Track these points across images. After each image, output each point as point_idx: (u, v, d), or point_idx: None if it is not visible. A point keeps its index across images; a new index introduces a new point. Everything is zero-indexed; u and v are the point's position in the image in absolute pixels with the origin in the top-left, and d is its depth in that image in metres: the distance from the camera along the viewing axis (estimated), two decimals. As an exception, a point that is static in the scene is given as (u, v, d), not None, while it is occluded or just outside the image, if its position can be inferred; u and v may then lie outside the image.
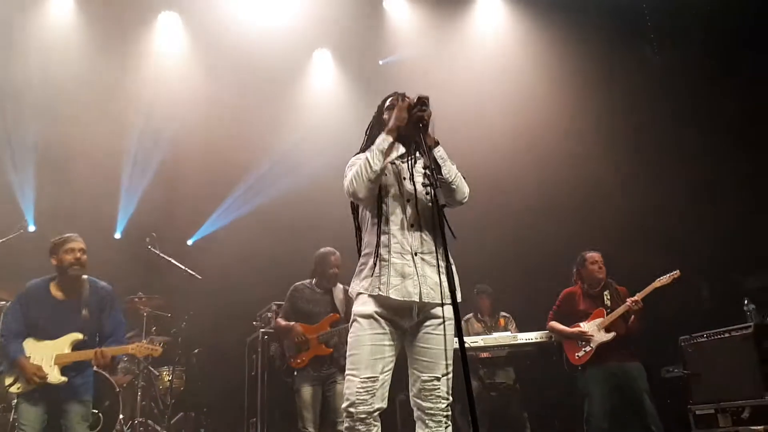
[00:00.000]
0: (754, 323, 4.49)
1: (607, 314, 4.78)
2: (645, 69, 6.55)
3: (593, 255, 4.98)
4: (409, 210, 2.71)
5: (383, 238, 2.67)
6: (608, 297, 4.86)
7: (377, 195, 2.71)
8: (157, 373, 5.84)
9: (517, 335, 5.35)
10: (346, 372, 2.61)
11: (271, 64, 6.64)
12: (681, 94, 6.13)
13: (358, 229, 2.87)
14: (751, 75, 5.64)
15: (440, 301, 2.63)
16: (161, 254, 5.91)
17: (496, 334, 5.42)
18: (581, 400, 4.79)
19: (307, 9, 6.69)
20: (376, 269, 2.65)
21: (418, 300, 2.62)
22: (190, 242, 7.28)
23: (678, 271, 4.61)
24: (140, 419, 5.38)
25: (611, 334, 4.70)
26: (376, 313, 2.61)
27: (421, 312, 2.66)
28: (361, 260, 2.76)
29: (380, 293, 2.61)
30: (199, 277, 5.91)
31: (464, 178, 2.78)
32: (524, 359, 5.51)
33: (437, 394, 2.60)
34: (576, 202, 6.37)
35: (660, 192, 6.08)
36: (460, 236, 2.61)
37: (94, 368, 5.23)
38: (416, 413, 2.64)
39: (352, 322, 2.66)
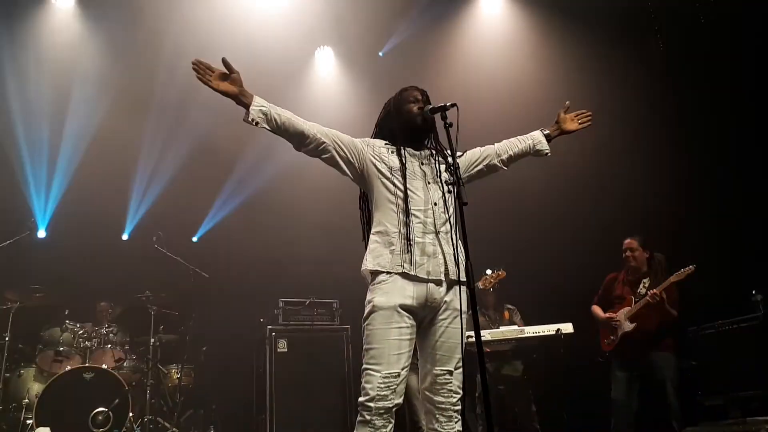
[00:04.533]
0: (763, 313, 4.48)
1: (635, 303, 4.76)
2: (649, 64, 6.51)
3: (627, 242, 4.93)
4: (431, 189, 2.70)
5: (403, 216, 2.64)
6: (645, 285, 4.78)
7: (395, 173, 2.70)
8: (166, 371, 5.88)
9: (524, 329, 5.33)
10: (365, 365, 2.54)
11: (273, 61, 6.64)
12: (686, 87, 6.08)
13: (364, 210, 2.84)
14: (757, 70, 5.59)
15: (462, 279, 2.60)
16: (168, 253, 5.93)
17: (503, 328, 5.41)
18: (590, 392, 4.80)
19: (308, 8, 6.68)
20: (396, 247, 2.60)
21: (445, 279, 2.61)
22: (195, 238, 7.29)
23: (693, 266, 4.56)
24: (150, 417, 5.41)
25: (633, 325, 4.67)
26: (400, 306, 2.54)
27: (441, 300, 2.62)
28: (374, 238, 2.68)
29: (405, 271, 2.56)
30: (206, 275, 5.93)
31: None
32: (531, 352, 5.50)
33: (449, 388, 2.58)
34: (580, 194, 6.34)
35: (667, 184, 6.03)
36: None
37: (103, 367, 5.30)
38: (426, 407, 2.62)
39: (371, 313, 2.58)
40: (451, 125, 2.61)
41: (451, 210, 2.68)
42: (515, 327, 5.42)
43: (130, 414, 5.18)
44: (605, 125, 6.16)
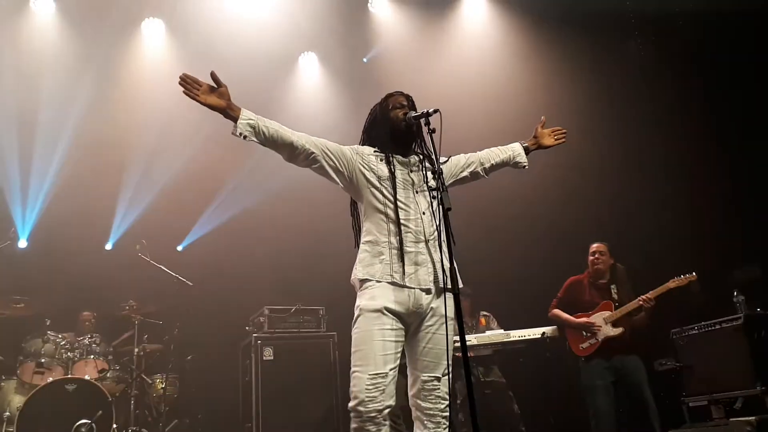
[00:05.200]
0: (744, 314, 4.52)
1: (616, 308, 4.79)
2: (631, 66, 6.59)
3: (593, 246, 5.00)
4: (420, 198, 2.72)
5: (393, 226, 2.65)
6: (615, 290, 4.87)
7: (384, 183, 2.71)
8: (151, 381, 5.80)
9: (509, 333, 5.36)
10: (353, 368, 2.54)
11: (257, 68, 6.63)
12: (667, 90, 6.17)
13: (356, 217, 2.85)
14: (738, 72, 5.68)
15: (451, 287, 2.58)
16: (151, 261, 5.87)
17: (488, 333, 5.43)
18: (575, 395, 4.81)
19: (292, 14, 6.68)
20: (386, 257, 2.62)
21: (434, 288, 2.62)
22: (180, 248, 7.23)
23: (694, 273, 4.63)
24: (134, 428, 5.35)
25: (619, 330, 4.72)
26: (385, 308, 2.55)
27: (428, 306, 2.62)
28: (364, 248, 2.70)
29: (395, 281, 2.58)
30: (190, 283, 5.87)
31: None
32: (516, 356, 5.52)
33: (437, 394, 2.59)
34: (557, 200, 6.40)
35: (647, 187, 6.11)
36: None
37: (86, 378, 5.23)
38: (414, 413, 2.62)
39: (358, 317, 2.60)
40: (434, 131, 2.62)
41: (439, 217, 2.70)
42: (501, 331, 5.45)
43: (114, 426, 5.12)
44: (587, 131, 6.26)
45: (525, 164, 3.20)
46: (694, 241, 5.62)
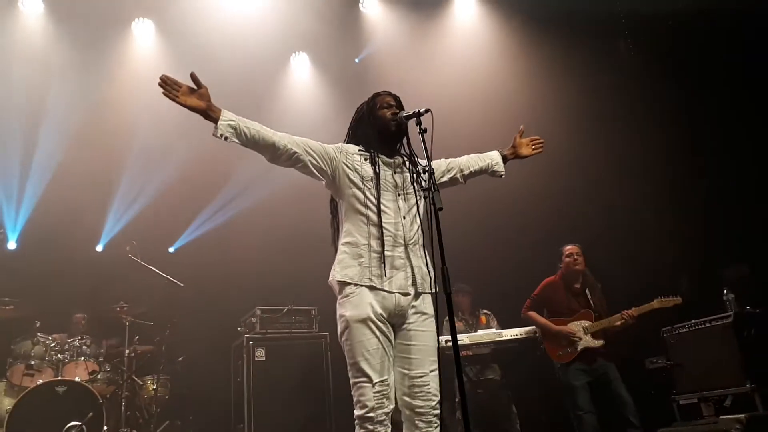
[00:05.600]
0: (734, 312, 4.55)
1: (596, 317, 4.81)
2: (621, 66, 6.62)
3: (569, 248, 5.02)
4: (401, 201, 2.72)
5: (373, 229, 2.65)
6: (590, 295, 4.90)
7: (367, 183, 2.70)
8: (141, 383, 5.77)
9: (502, 332, 5.36)
10: (354, 380, 2.57)
11: (249, 69, 6.62)
12: (655, 91, 6.20)
13: (335, 216, 2.85)
14: (727, 72, 5.72)
15: (428, 291, 2.68)
16: (142, 262, 5.84)
17: (481, 332, 5.43)
18: (564, 395, 4.83)
19: (283, 14, 6.67)
20: (365, 260, 2.62)
21: (413, 292, 2.64)
22: (171, 249, 7.21)
23: (680, 298, 4.69)
24: (125, 430, 5.32)
25: (600, 342, 4.76)
26: (373, 315, 2.56)
27: (409, 305, 2.64)
28: (343, 248, 2.70)
29: (374, 285, 2.59)
30: (181, 284, 5.84)
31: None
32: (510, 355, 5.53)
33: (428, 390, 2.59)
34: (552, 198, 6.42)
35: (636, 187, 6.14)
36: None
37: (76, 380, 5.19)
38: (405, 413, 2.62)
39: (345, 328, 2.60)
40: (425, 131, 2.62)
41: (421, 219, 2.69)
42: (493, 330, 5.45)
43: (105, 427, 5.08)
44: (579, 130, 6.28)
45: (502, 173, 3.22)
46: (684, 240, 5.65)
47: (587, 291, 4.92)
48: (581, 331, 4.80)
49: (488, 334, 5.37)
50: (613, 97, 6.34)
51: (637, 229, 5.93)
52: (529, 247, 6.33)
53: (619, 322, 4.70)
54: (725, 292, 4.79)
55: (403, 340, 2.65)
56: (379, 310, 2.58)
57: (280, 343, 5.63)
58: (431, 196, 2.49)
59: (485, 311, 5.86)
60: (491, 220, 6.55)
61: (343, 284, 2.64)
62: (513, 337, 5.29)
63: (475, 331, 5.51)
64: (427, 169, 2.57)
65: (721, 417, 4.21)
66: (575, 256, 4.95)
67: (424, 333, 2.65)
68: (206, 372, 6.21)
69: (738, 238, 5.48)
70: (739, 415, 4.04)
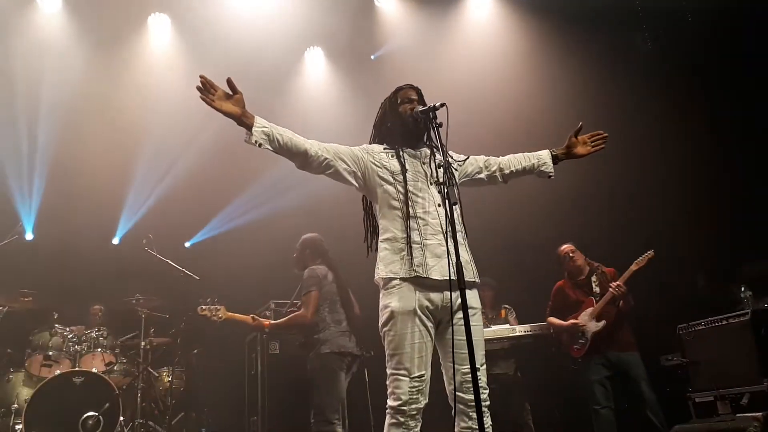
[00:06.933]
0: (751, 310, 4.50)
1: (597, 302, 4.80)
2: (637, 60, 6.55)
3: (563, 248, 5.06)
4: (434, 190, 2.72)
5: (410, 221, 2.66)
6: (596, 282, 4.88)
7: (397, 177, 2.72)
8: (157, 374, 5.84)
9: (515, 327, 5.36)
10: (393, 371, 2.59)
11: (264, 64, 6.63)
12: (673, 84, 6.12)
13: (371, 216, 2.86)
14: (749, 66, 5.64)
15: (471, 280, 2.68)
16: (158, 255, 5.89)
17: (494, 327, 5.42)
18: (582, 390, 4.80)
19: (298, 8, 6.67)
20: (406, 253, 2.62)
21: (454, 278, 2.62)
22: (187, 244, 7.26)
23: (652, 251, 4.64)
24: (140, 420, 5.38)
25: (602, 323, 4.73)
26: (419, 309, 2.58)
27: (456, 299, 2.61)
28: (383, 246, 2.71)
29: (419, 275, 2.59)
30: (197, 277, 5.89)
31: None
32: (524, 350, 5.51)
33: (479, 384, 2.59)
34: (572, 193, 6.35)
35: (655, 183, 6.08)
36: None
37: (93, 371, 5.26)
38: (458, 407, 2.63)
39: (389, 319, 2.61)
40: (440, 125, 2.62)
41: (456, 209, 2.71)
42: (507, 326, 5.44)
43: (121, 418, 5.14)
44: (596, 125, 6.20)
45: (551, 173, 3.09)
46: (702, 237, 5.59)
47: (593, 278, 4.91)
48: (586, 318, 4.81)
49: (501, 329, 5.36)
50: (631, 91, 6.27)
51: (658, 228, 5.86)
52: (552, 240, 6.27)
53: (610, 297, 4.68)
54: (743, 289, 4.74)
55: (453, 335, 2.65)
56: (426, 303, 2.60)
57: (294, 337, 5.63)
58: (446, 190, 2.49)
59: (506, 306, 5.85)
60: (515, 212, 6.51)
61: (389, 279, 2.66)
62: (526, 333, 5.28)
63: (490, 326, 5.49)
64: (443, 162, 2.55)
65: (738, 415, 4.17)
66: (570, 255, 5.00)
67: (474, 327, 2.60)
68: (221, 364, 6.26)
69: (756, 234, 5.41)
70: (756, 413, 3.99)
